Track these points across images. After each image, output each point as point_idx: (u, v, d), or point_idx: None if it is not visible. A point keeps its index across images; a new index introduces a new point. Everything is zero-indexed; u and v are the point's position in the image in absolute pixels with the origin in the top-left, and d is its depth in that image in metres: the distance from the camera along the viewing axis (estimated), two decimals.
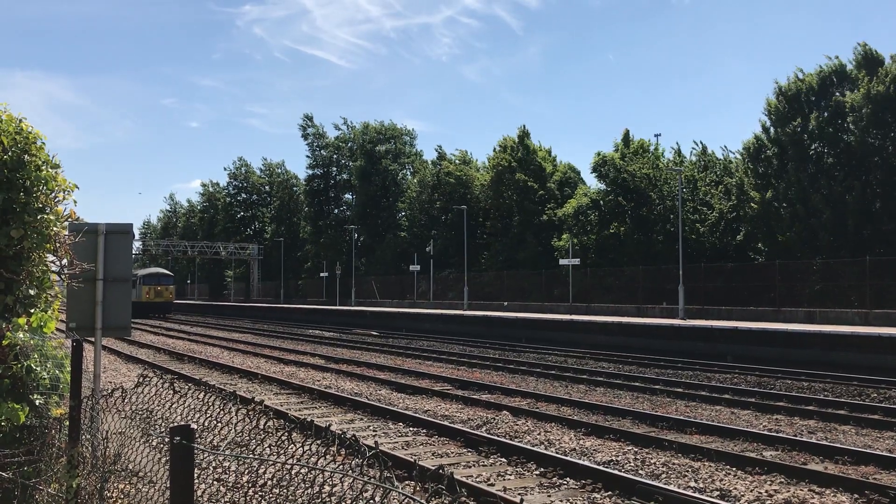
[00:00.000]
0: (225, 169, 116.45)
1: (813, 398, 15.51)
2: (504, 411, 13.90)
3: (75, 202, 6.16)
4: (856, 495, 8.18)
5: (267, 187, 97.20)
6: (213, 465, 8.93)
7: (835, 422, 12.96)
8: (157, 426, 4.96)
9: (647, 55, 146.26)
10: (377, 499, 2.40)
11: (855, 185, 35.03)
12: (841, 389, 17.43)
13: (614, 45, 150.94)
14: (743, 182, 41.53)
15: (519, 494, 8.21)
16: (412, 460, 9.21)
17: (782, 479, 8.89)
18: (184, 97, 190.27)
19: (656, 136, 58.08)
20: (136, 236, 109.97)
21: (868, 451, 10.16)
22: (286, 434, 3.15)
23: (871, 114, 34.74)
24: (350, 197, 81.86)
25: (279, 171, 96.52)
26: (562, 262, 43.78)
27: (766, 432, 11.58)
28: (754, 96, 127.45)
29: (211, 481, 8.33)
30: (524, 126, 58.93)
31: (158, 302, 63.30)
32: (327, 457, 2.99)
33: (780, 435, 11.36)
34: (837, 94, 37.35)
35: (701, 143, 54.21)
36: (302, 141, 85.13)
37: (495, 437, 11.00)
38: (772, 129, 39.75)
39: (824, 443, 10.82)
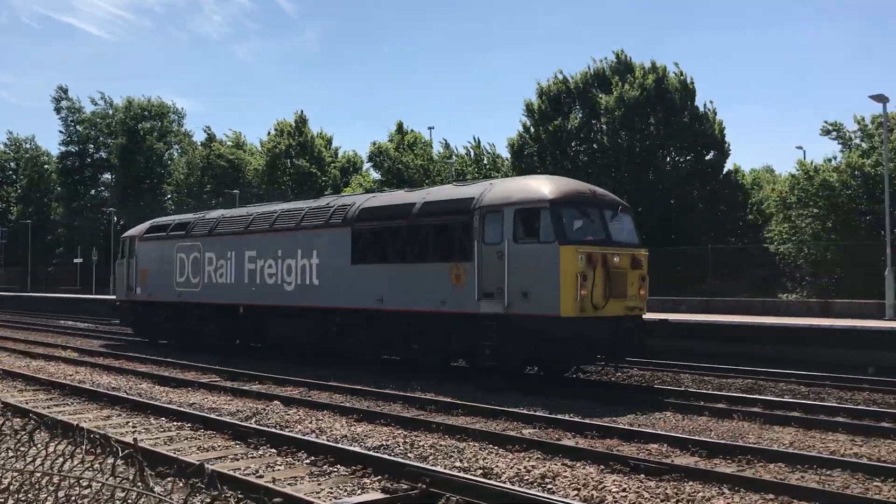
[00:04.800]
0: None
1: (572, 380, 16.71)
2: (275, 401, 13.66)
3: None
4: (601, 466, 8.92)
5: (13, 164, 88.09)
6: None
7: (588, 400, 14.04)
8: None
9: (421, 48, 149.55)
10: (131, 500, 2.24)
11: (607, 183, 38.31)
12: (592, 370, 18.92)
13: (389, 36, 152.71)
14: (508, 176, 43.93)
15: (288, 484, 8.09)
16: (174, 456, 8.78)
17: (539, 455, 9.50)
18: None
19: (430, 128, 60.29)
20: None
21: (613, 425, 11.13)
22: (27, 436, 2.86)
23: (622, 116, 38.40)
24: (109, 177, 76.53)
25: (28, 146, 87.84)
26: None
27: (524, 411, 12.31)
28: (525, 93, 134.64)
29: None
30: (301, 111, 58.15)
31: (619, 320, 14.47)
32: (76, 457, 2.74)
33: (538, 413, 12.12)
34: (595, 97, 40.70)
35: (476, 137, 56.87)
36: (55, 115, 78.28)
37: (264, 428, 10.77)
38: (532, 129, 42.46)
39: (576, 419, 11.69)
